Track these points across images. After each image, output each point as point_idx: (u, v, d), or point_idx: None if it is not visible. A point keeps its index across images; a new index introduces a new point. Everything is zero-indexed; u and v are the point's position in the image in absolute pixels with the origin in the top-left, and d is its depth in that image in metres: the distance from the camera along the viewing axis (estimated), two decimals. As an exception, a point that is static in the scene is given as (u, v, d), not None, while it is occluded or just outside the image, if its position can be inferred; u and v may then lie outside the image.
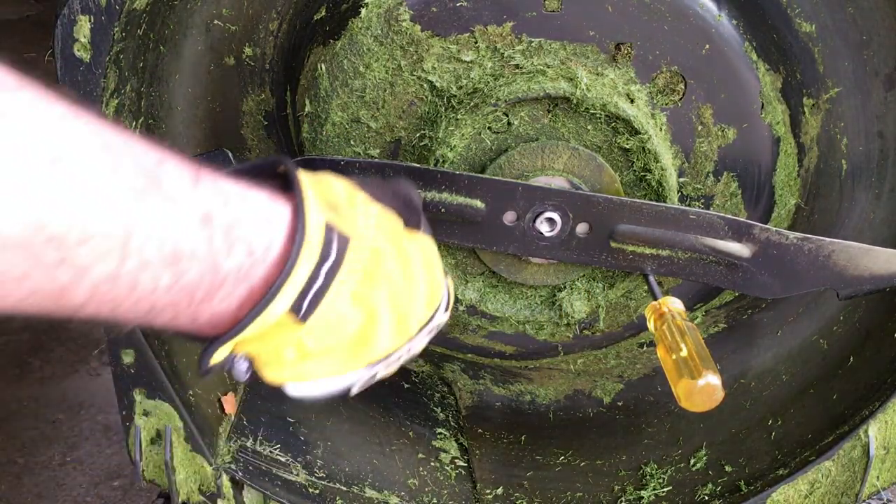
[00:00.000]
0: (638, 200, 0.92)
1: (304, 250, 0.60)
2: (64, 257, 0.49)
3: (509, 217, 0.92)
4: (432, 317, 0.72)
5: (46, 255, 0.48)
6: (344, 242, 0.63)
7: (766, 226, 0.91)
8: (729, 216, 0.91)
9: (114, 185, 0.50)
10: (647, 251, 0.93)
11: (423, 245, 0.72)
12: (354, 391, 0.71)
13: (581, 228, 0.93)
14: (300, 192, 0.62)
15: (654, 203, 0.91)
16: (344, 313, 0.64)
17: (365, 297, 0.65)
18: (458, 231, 0.93)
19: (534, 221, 0.92)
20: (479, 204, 0.91)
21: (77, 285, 0.51)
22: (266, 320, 0.60)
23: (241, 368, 0.65)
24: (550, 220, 0.93)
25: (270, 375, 0.66)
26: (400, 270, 0.68)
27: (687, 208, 0.91)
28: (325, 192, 0.65)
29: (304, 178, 0.63)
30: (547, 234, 0.92)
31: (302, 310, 0.61)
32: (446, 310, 0.76)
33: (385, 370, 0.72)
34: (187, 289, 0.56)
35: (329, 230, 0.62)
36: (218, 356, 0.62)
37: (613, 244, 0.93)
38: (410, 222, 0.72)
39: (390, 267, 0.67)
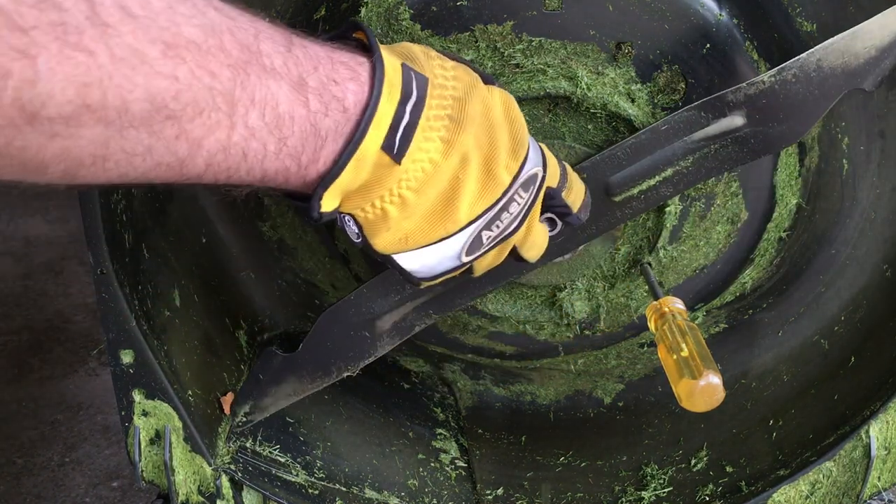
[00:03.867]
0: (605, 151, 0.90)
1: (384, 87, 0.63)
2: (180, 132, 0.54)
3: None
4: (521, 166, 0.72)
5: (165, 131, 0.53)
6: (423, 82, 0.66)
7: (736, 86, 0.86)
8: (694, 103, 0.87)
9: (220, 61, 0.55)
10: (652, 181, 0.90)
11: (501, 96, 0.73)
12: (465, 259, 0.73)
13: None
14: (375, 43, 0.66)
15: (621, 143, 0.89)
16: (437, 160, 0.66)
17: (455, 143, 0.67)
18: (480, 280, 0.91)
19: None
20: None
21: (195, 157, 0.56)
22: (361, 158, 0.63)
23: (353, 230, 0.69)
24: (550, 220, 0.93)
25: (379, 242, 0.69)
26: (481, 116, 0.69)
27: (653, 124, 0.89)
28: (399, 47, 0.70)
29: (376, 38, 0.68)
30: (555, 232, 0.92)
31: (395, 147, 0.64)
32: (543, 167, 0.76)
33: (489, 233, 0.73)
34: (293, 153, 0.61)
35: (406, 69, 0.65)
36: (326, 203, 0.65)
37: (617, 199, 0.91)
38: (486, 79, 0.73)
39: (473, 113, 0.68)
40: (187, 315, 1.00)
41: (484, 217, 0.71)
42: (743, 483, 1.01)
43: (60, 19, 0.46)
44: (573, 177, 0.84)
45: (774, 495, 0.98)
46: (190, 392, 0.95)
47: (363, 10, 0.91)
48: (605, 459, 1.09)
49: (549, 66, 0.92)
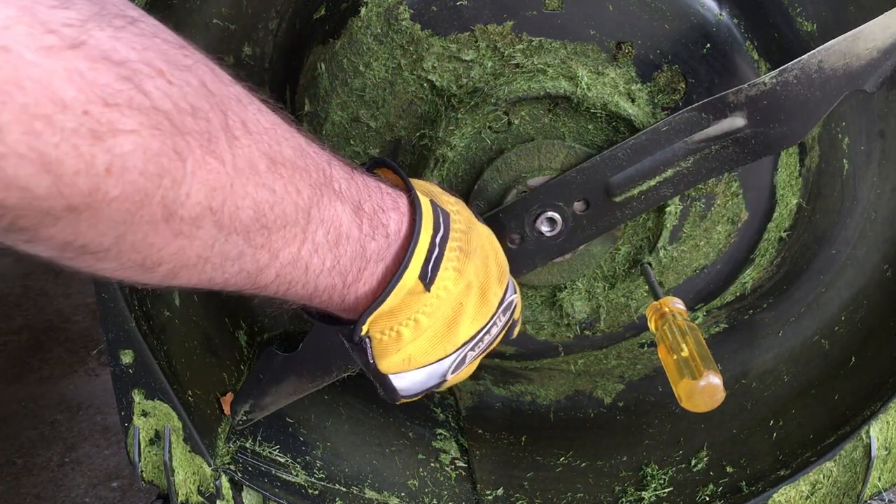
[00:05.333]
0: (606, 151, 0.90)
1: (423, 222, 0.70)
2: (266, 241, 0.58)
3: (514, 241, 0.92)
4: (505, 293, 0.79)
5: (256, 239, 0.57)
6: (446, 216, 0.73)
7: (736, 88, 0.85)
8: (695, 104, 0.87)
9: (305, 181, 0.60)
10: (653, 182, 0.90)
11: (486, 229, 0.82)
12: (450, 377, 0.78)
13: (579, 207, 0.92)
14: (408, 180, 0.73)
15: (621, 143, 0.90)
16: (450, 287, 0.72)
17: (464, 272, 0.73)
18: None
19: (536, 230, 0.92)
20: None
21: (270, 267, 0.60)
22: (403, 286, 0.69)
23: (369, 352, 0.73)
24: (550, 220, 0.93)
25: (385, 363, 0.73)
26: (479, 247, 0.77)
27: (654, 125, 0.89)
28: (417, 184, 0.76)
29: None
30: (555, 233, 0.92)
31: (427, 275, 0.70)
32: (515, 291, 0.83)
33: (472, 353, 0.78)
34: (342, 271, 0.66)
35: (434, 206, 0.73)
36: (364, 328, 0.71)
37: (617, 199, 0.91)
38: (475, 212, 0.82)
39: (475, 244, 0.76)
40: (187, 315, 1.00)
41: (474, 339, 0.77)
42: (743, 483, 1.01)
43: (207, 128, 0.50)
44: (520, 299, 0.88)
45: (775, 495, 0.98)
46: (190, 392, 0.95)
47: (363, 10, 0.91)
48: (605, 459, 1.09)
49: (549, 66, 0.92)
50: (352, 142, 0.97)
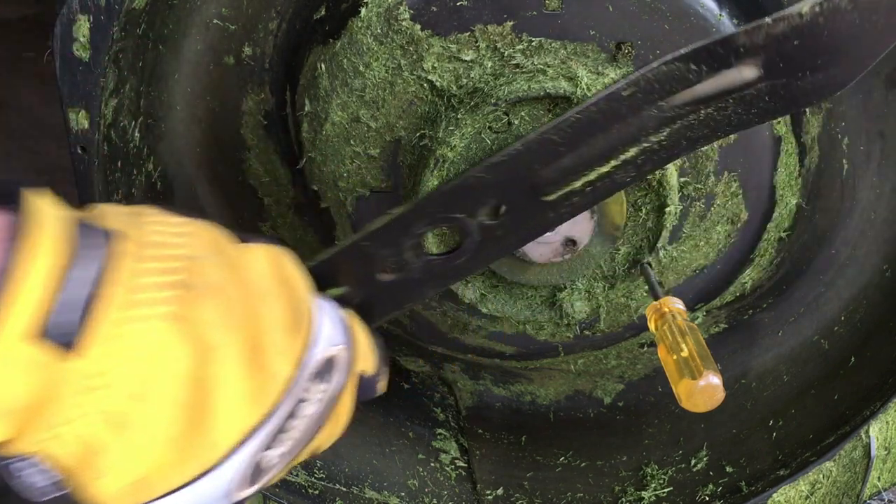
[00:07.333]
0: (532, 134, 0.62)
1: (29, 243, 0.42)
2: None
3: (389, 269, 0.66)
4: (308, 349, 0.53)
5: None
6: (117, 238, 0.47)
7: (752, 25, 0.57)
8: (678, 52, 0.59)
9: None
10: (606, 168, 0.62)
11: (267, 253, 0.55)
12: (243, 495, 0.52)
13: (489, 213, 0.64)
14: (23, 193, 0.45)
15: (559, 120, 0.61)
16: (164, 342, 0.46)
17: (195, 322, 0.47)
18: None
19: (422, 254, 0.66)
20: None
21: None
22: (6, 357, 0.41)
23: (39, 482, 0.45)
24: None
25: (100, 493, 0.46)
26: (235, 285, 0.50)
27: (611, 88, 0.60)
28: (83, 209, 0.50)
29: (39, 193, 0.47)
30: (453, 253, 0.66)
31: (65, 331, 0.43)
32: (346, 340, 0.57)
33: (276, 452, 0.52)
34: None
35: (83, 224, 0.46)
36: None
37: (550, 197, 0.63)
38: (245, 238, 0.55)
39: (219, 279, 0.50)
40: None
41: (259, 432, 0.50)
42: (743, 483, 1.01)
43: None
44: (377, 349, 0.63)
45: (774, 495, 0.98)
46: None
47: (363, 11, 0.91)
48: (605, 459, 1.09)
49: (549, 66, 0.92)
50: (352, 142, 0.98)
